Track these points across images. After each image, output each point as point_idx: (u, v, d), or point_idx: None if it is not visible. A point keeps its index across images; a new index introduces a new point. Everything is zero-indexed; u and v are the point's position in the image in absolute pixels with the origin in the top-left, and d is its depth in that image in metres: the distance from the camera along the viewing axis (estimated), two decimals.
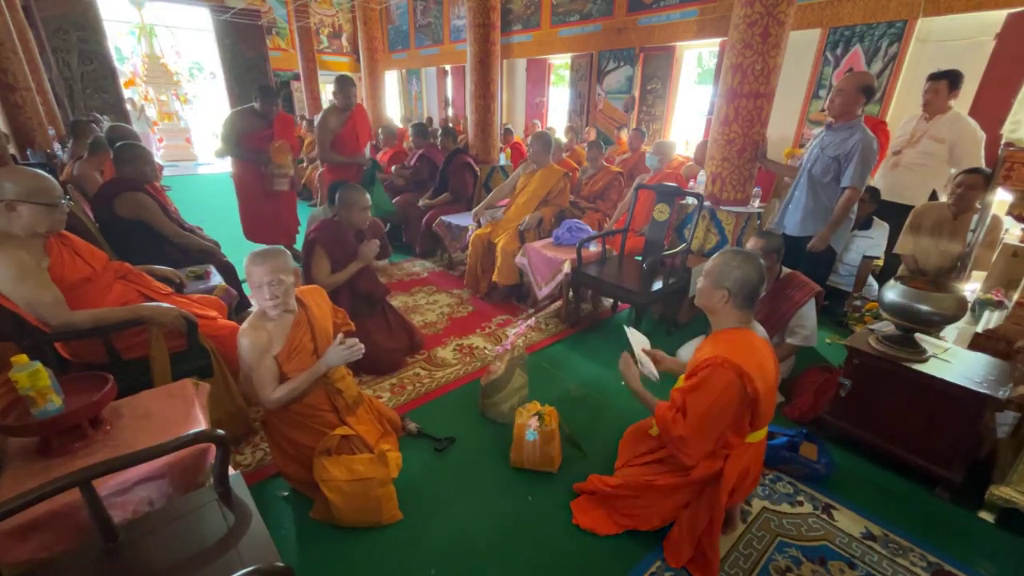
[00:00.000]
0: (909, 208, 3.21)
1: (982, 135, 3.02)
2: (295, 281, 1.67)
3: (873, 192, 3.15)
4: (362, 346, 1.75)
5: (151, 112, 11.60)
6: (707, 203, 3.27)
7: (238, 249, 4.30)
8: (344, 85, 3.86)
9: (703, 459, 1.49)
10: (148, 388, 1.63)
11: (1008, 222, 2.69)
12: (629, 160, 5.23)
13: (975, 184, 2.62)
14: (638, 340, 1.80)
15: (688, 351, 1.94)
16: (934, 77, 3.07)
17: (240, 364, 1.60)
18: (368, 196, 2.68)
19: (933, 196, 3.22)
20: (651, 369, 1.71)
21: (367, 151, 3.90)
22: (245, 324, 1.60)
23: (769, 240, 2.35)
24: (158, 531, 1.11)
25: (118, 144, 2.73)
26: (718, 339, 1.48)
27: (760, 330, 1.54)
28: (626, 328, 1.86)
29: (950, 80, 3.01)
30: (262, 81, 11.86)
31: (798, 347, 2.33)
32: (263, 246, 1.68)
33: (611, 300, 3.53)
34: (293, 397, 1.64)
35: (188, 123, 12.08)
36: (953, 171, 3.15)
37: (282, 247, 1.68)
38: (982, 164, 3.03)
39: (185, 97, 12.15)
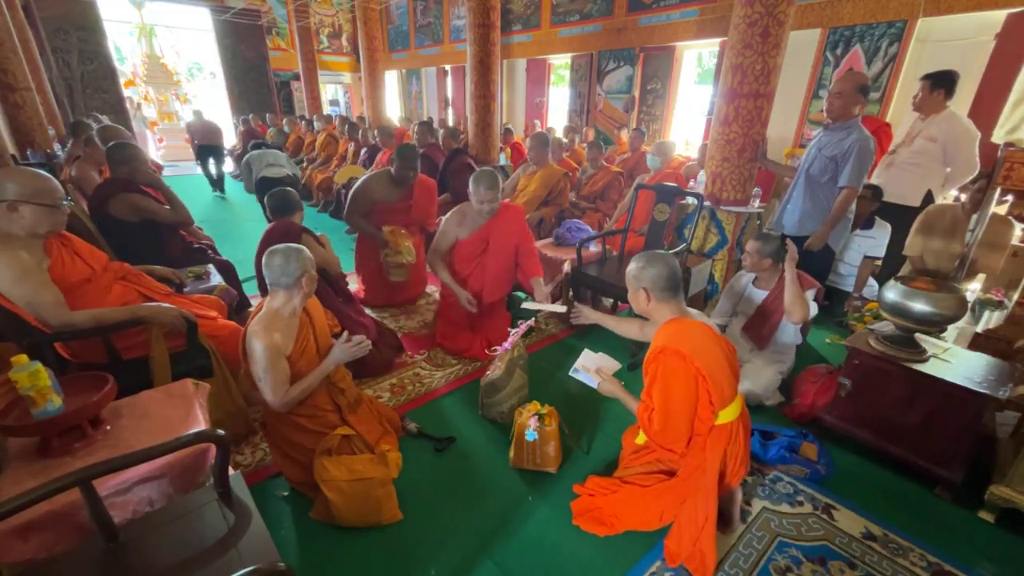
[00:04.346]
0: (904, 208, 3.21)
1: (976, 133, 3.02)
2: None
3: (875, 190, 3.15)
4: (369, 342, 1.75)
5: (151, 112, 11.60)
6: (707, 203, 3.27)
7: (236, 249, 4.31)
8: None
9: (682, 448, 1.56)
10: (148, 388, 1.63)
11: None
12: (629, 160, 5.23)
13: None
14: (596, 360, 1.88)
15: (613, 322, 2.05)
16: (922, 78, 3.10)
17: (250, 366, 1.58)
18: None
19: (928, 196, 3.21)
20: (589, 379, 1.81)
21: None
22: (256, 327, 1.56)
23: (766, 242, 2.36)
24: (158, 531, 1.11)
25: (110, 144, 2.68)
26: (659, 332, 1.58)
27: (698, 315, 1.63)
28: (586, 351, 1.93)
29: (933, 82, 3.01)
30: (262, 81, 11.89)
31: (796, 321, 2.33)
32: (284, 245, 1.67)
33: (611, 300, 3.53)
34: (304, 396, 1.65)
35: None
36: (948, 170, 3.15)
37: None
38: (977, 163, 3.03)
39: (185, 97, 12.15)
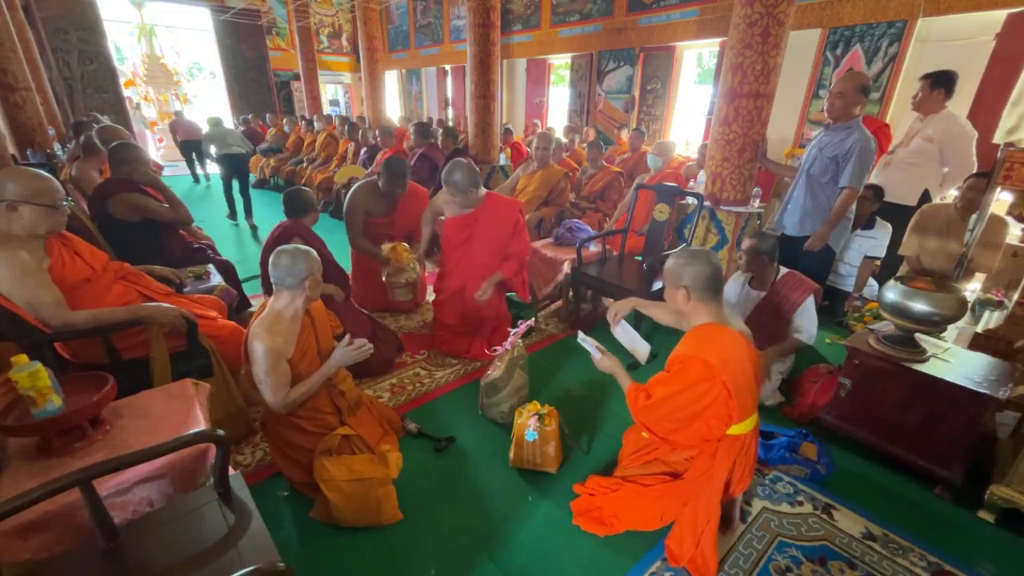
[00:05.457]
0: (901, 207, 3.21)
1: (973, 133, 3.02)
2: None
3: (876, 190, 3.15)
4: (371, 346, 1.75)
5: (152, 112, 11.59)
6: (707, 203, 3.27)
7: (234, 249, 4.31)
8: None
9: (684, 446, 1.56)
10: (148, 388, 1.63)
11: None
12: (629, 160, 5.24)
13: (981, 187, 2.60)
14: (632, 339, 1.89)
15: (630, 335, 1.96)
16: (922, 78, 3.11)
17: (252, 368, 1.58)
18: None
19: (925, 195, 3.21)
20: (593, 349, 1.78)
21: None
22: (258, 329, 1.56)
23: (761, 241, 2.35)
24: (158, 531, 1.11)
25: (112, 145, 2.69)
26: (691, 335, 1.54)
27: (738, 324, 1.57)
28: (623, 323, 1.92)
29: (933, 81, 3.02)
30: (262, 81, 11.87)
31: (802, 344, 2.33)
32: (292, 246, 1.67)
33: (611, 300, 3.53)
34: (304, 399, 1.65)
35: None
36: (945, 170, 3.15)
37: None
38: (974, 162, 3.03)
39: (185, 97, 12.13)
